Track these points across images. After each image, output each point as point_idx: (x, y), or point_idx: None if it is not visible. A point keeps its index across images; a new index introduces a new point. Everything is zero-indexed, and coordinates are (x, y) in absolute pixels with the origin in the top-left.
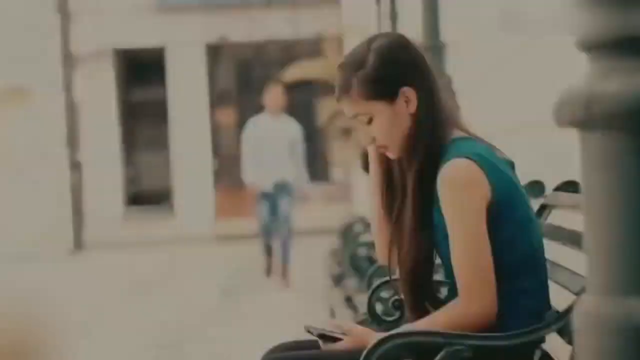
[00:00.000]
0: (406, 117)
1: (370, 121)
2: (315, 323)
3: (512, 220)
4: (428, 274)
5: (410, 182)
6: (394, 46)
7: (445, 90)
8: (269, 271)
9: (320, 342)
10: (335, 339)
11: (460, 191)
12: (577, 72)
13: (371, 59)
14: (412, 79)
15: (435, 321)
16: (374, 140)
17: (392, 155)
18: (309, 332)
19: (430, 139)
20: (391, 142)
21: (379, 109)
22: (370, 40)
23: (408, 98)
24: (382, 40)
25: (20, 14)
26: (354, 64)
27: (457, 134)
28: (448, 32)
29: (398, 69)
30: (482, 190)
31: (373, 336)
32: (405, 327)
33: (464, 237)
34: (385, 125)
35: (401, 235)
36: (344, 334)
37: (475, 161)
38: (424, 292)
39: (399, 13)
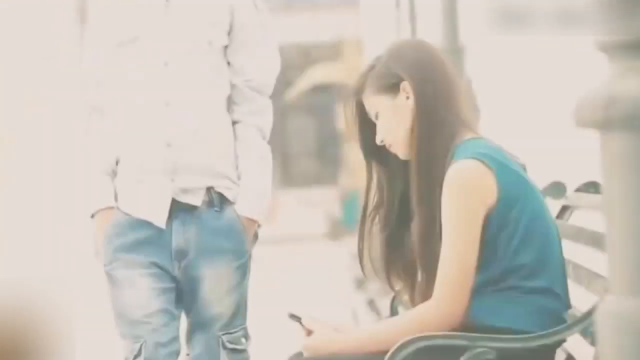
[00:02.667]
0: (408, 112)
1: (377, 117)
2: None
3: (524, 219)
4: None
5: (414, 183)
6: (405, 45)
7: (464, 93)
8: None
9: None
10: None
11: (459, 195)
12: (597, 73)
13: (382, 57)
14: (414, 74)
15: (408, 320)
16: (382, 138)
17: (399, 153)
18: (292, 316)
19: (432, 136)
20: (394, 139)
21: (383, 104)
22: (389, 44)
23: (408, 93)
24: (397, 41)
25: (37, 18)
26: (369, 65)
27: (470, 135)
28: (467, 35)
29: (401, 64)
30: (484, 195)
31: (327, 337)
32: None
33: (454, 242)
34: (387, 119)
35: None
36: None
37: (482, 161)
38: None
39: (417, 16)
